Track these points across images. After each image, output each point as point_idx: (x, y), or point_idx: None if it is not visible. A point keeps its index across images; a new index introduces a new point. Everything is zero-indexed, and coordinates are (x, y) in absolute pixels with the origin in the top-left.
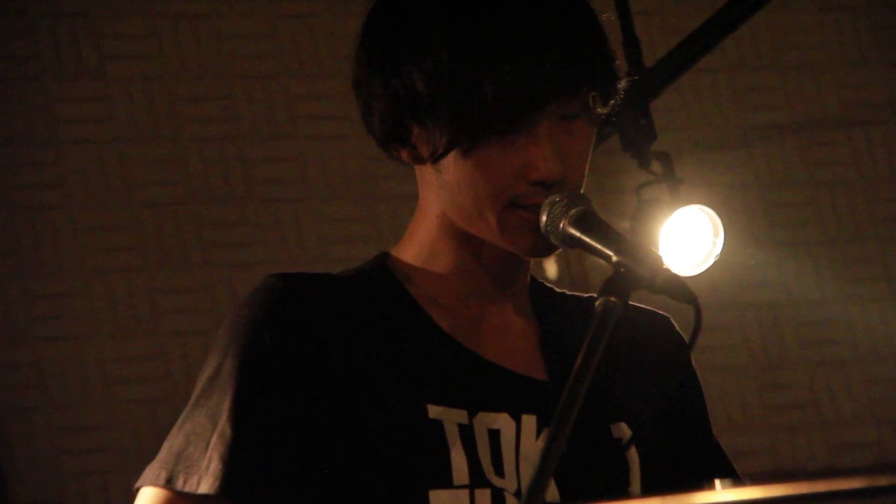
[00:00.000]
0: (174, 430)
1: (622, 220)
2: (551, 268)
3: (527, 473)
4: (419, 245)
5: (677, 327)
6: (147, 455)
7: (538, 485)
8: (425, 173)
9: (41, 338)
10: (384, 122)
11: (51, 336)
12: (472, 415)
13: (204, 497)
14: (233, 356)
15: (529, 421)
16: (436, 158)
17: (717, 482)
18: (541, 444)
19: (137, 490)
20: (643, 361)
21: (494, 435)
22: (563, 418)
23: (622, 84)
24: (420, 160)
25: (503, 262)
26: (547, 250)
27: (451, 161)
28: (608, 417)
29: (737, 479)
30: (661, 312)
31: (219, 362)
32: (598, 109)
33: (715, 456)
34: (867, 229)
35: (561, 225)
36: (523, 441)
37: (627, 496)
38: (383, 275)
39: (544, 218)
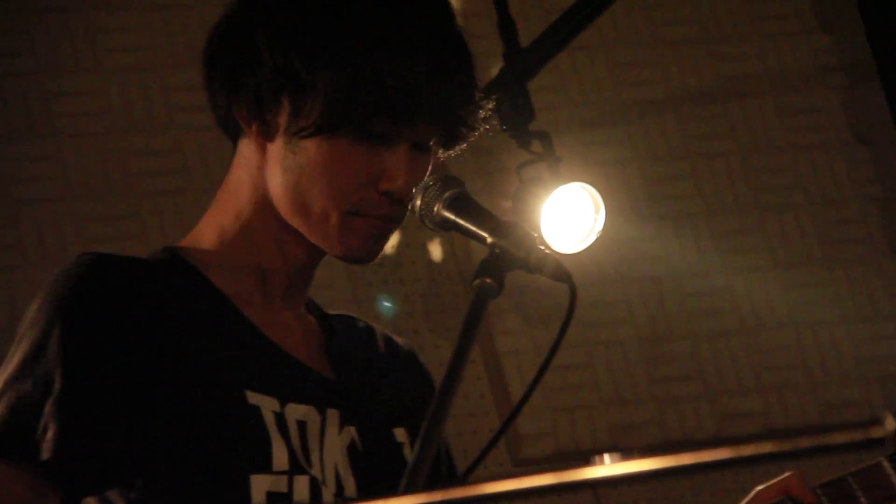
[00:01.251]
0: None
1: (503, 199)
2: (435, 251)
3: (329, 465)
4: (221, 230)
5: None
6: None
7: (416, 471)
8: (260, 153)
9: None
10: (257, 91)
11: None
12: (283, 404)
13: (39, 462)
14: (59, 328)
15: (333, 415)
16: (306, 135)
17: (606, 455)
18: (344, 439)
19: None
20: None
21: (302, 426)
22: (447, 390)
23: (471, 137)
24: (269, 136)
25: (305, 262)
26: (372, 258)
27: (314, 144)
28: (391, 422)
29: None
30: (405, 342)
31: (42, 334)
32: (441, 150)
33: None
34: (746, 200)
35: (435, 208)
36: (328, 434)
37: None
38: (179, 265)
39: (418, 202)
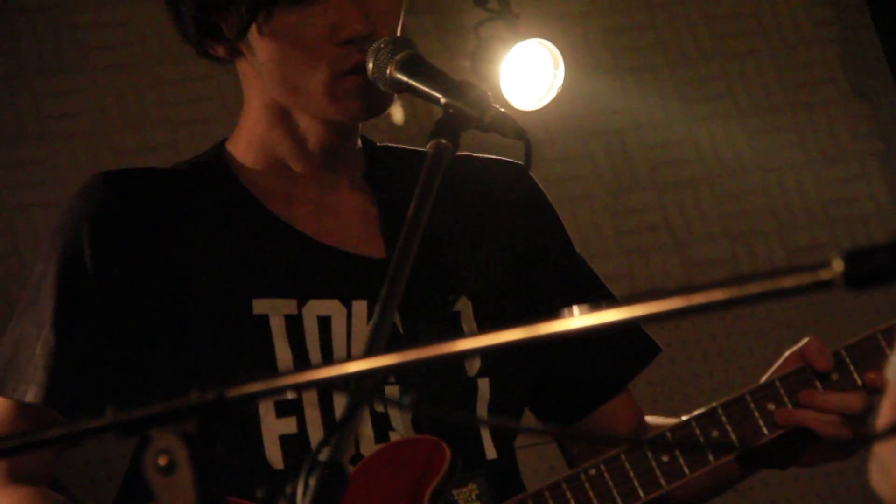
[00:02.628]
0: (6, 335)
1: (462, 59)
2: (397, 113)
3: None
4: (248, 138)
5: (526, 175)
6: None
7: (376, 333)
8: (243, 66)
9: None
10: (194, 21)
11: None
12: (301, 304)
13: (30, 405)
14: (54, 263)
15: (360, 306)
16: (241, 36)
17: (575, 308)
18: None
19: None
20: (489, 222)
21: (325, 322)
22: (403, 254)
23: None
24: (236, 52)
25: (333, 136)
26: (379, 109)
27: (258, 39)
28: (448, 290)
29: (610, 298)
30: (513, 162)
31: (43, 269)
32: None
33: (585, 279)
34: (707, 48)
35: (388, 71)
36: (354, 327)
37: (463, 372)
38: (218, 167)
39: (370, 66)
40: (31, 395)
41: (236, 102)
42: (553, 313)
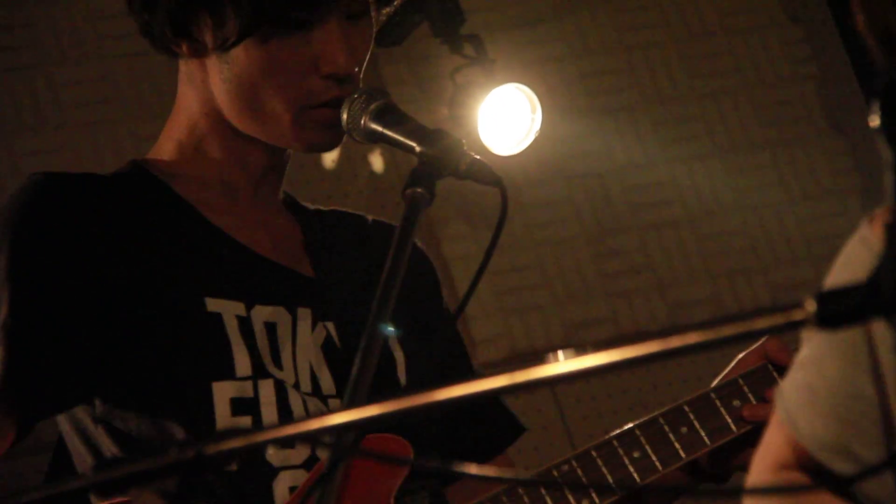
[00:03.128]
0: None
1: (440, 106)
2: (377, 162)
3: (303, 365)
4: (179, 144)
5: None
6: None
7: (358, 383)
8: (201, 69)
9: None
10: (172, 14)
11: None
12: (249, 307)
13: None
14: (5, 252)
15: (305, 314)
16: (227, 47)
17: (560, 352)
18: (317, 337)
19: None
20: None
21: (271, 328)
22: (383, 301)
23: None
24: (201, 52)
25: (268, 160)
26: (335, 145)
27: (242, 52)
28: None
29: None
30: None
31: None
32: (381, 10)
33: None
34: (684, 88)
35: (362, 121)
36: (300, 333)
37: (397, 384)
38: (143, 177)
39: (345, 116)
40: None
41: None
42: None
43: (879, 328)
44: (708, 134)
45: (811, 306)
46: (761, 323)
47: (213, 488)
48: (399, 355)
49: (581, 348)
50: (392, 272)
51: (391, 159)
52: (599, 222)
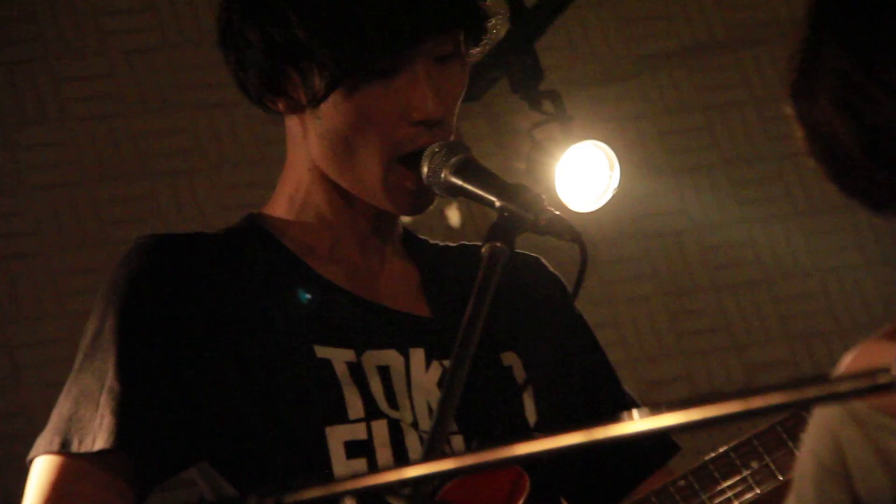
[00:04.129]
0: (61, 398)
1: (518, 161)
2: (454, 216)
3: (420, 403)
4: (290, 199)
5: (549, 266)
6: None
7: (436, 436)
8: (300, 124)
9: None
10: (261, 72)
11: None
12: (359, 353)
13: (100, 454)
14: (112, 316)
15: (417, 354)
16: (316, 102)
17: (635, 411)
18: (432, 375)
19: (31, 462)
20: (525, 298)
21: (384, 371)
22: (459, 360)
23: (492, 23)
24: (297, 109)
25: (375, 210)
26: (423, 208)
27: (331, 106)
28: (497, 347)
29: (625, 396)
30: (531, 255)
31: (99, 325)
32: (471, 49)
33: (614, 396)
34: (763, 149)
35: (443, 175)
36: (413, 373)
37: (523, 419)
38: (255, 231)
39: (425, 169)
40: (101, 442)
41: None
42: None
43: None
44: (786, 195)
45: None
46: (845, 385)
47: None
48: (529, 400)
49: (656, 407)
50: (470, 326)
51: (468, 213)
52: (676, 281)
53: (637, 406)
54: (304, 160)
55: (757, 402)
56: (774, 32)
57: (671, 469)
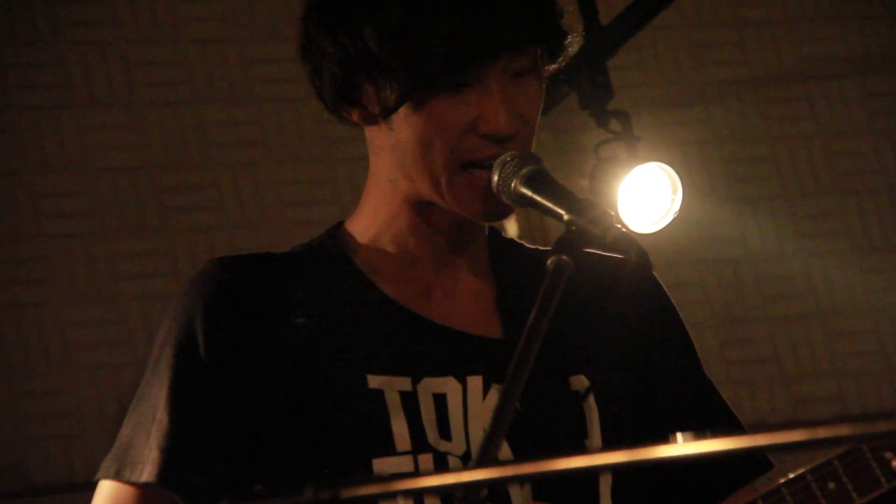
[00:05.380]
0: (125, 421)
1: (581, 178)
2: (511, 226)
3: (476, 434)
4: (372, 212)
5: (656, 276)
6: (108, 420)
7: (490, 443)
8: (377, 135)
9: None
10: (335, 82)
11: (11, 302)
12: (416, 381)
13: (146, 485)
14: (169, 346)
15: (475, 382)
16: (387, 114)
17: (679, 435)
18: (489, 403)
19: (97, 482)
20: (609, 309)
21: (440, 399)
22: (514, 377)
23: (569, 40)
24: (372, 120)
25: (458, 224)
26: (499, 214)
27: (402, 118)
28: (567, 370)
29: (729, 415)
30: (633, 261)
31: (159, 352)
32: (547, 65)
33: (704, 393)
34: (826, 183)
35: (513, 185)
36: (470, 403)
37: (584, 449)
38: (331, 248)
39: (496, 178)
40: (146, 474)
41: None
42: (669, 417)
43: None
44: (846, 231)
45: None
46: None
47: None
48: (592, 413)
49: (700, 433)
50: (531, 337)
51: (526, 226)
52: (729, 309)
53: (732, 418)
54: (384, 172)
55: (823, 433)
56: (846, 68)
57: (756, 487)
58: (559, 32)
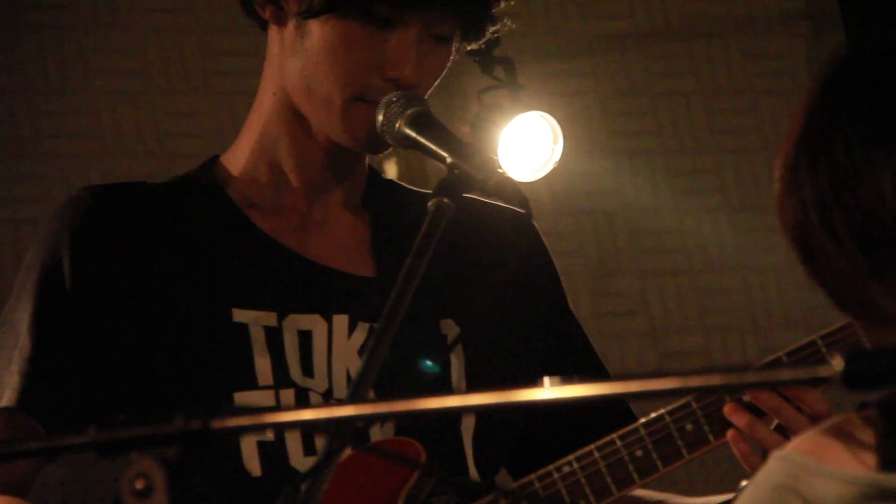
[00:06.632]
0: None
1: (463, 124)
2: (391, 169)
3: (339, 372)
4: (249, 142)
5: (529, 223)
6: None
7: (362, 381)
8: (279, 39)
9: None
10: None
11: None
12: (281, 317)
13: (6, 410)
14: (34, 272)
15: (341, 320)
16: (308, 15)
17: (546, 379)
18: (354, 342)
19: None
20: (486, 255)
21: (305, 336)
22: (389, 318)
23: (493, 30)
24: (282, 21)
25: (334, 153)
26: (378, 148)
27: (319, 26)
28: (438, 314)
29: (598, 365)
30: (514, 210)
31: (24, 278)
32: (467, 45)
33: (573, 341)
34: (704, 141)
35: (397, 125)
36: (335, 341)
37: (447, 387)
38: (206, 181)
39: (380, 117)
40: (6, 398)
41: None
42: (538, 365)
43: None
44: (721, 189)
45: (839, 365)
46: (786, 375)
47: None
48: (457, 360)
49: (568, 378)
50: (408, 279)
51: (405, 168)
52: (602, 261)
53: (601, 368)
54: (273, 82)
55: (695, 381)
56: (729, 26)
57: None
58: (489, 17)
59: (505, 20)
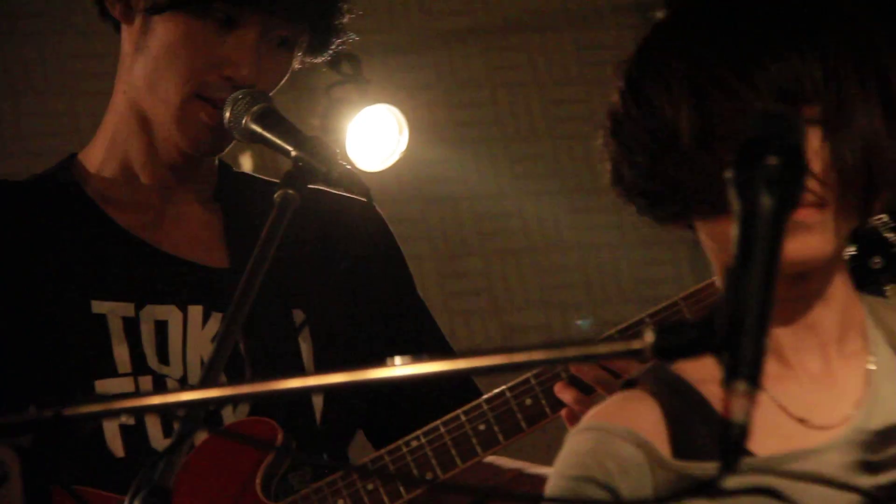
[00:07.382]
0: None
1: (313, 118)
2: (246, 162)
3: (193, 360)
4: (104, 140)
5: (373, 209)
6: None
7: (213, 366)
8: (129, 38)
9: None
10: None
11: None
12: (139, 307)
13: None
14: None
15: (196, 311)
16: (153, 11)
17: (397, 358)
18: (208, 332)
19: None
20: (332, 244)
21: (161, 326)
22: (237, 306)
23: (337, 42)
24: (130, 18)
25: (183, 155)
26: (214, 151)
27: (162, 23)
28: (289, 302)
29: (444, 343)
30: (358, 199)
31: None
32: (311, 55)
33: (419, 322)
34: (541, 128)
35: (244, 121)
36: (190, 331)
37: (301, 371)
38: (63, 178)
39: (227, 114)
40: None
41: None
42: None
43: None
44: (557, 174)
45: (650, 338)
46: (603, 349)
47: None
48: (306, 345)
49: (418, 356)
50: (255, 268)
51: (261, 162)
52: (448, 244)
53: (446, 345)
54: (124, 81)
55: (519, 357)
56: (563, 20)
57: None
58: (333, 28)
59: (349, 34)
